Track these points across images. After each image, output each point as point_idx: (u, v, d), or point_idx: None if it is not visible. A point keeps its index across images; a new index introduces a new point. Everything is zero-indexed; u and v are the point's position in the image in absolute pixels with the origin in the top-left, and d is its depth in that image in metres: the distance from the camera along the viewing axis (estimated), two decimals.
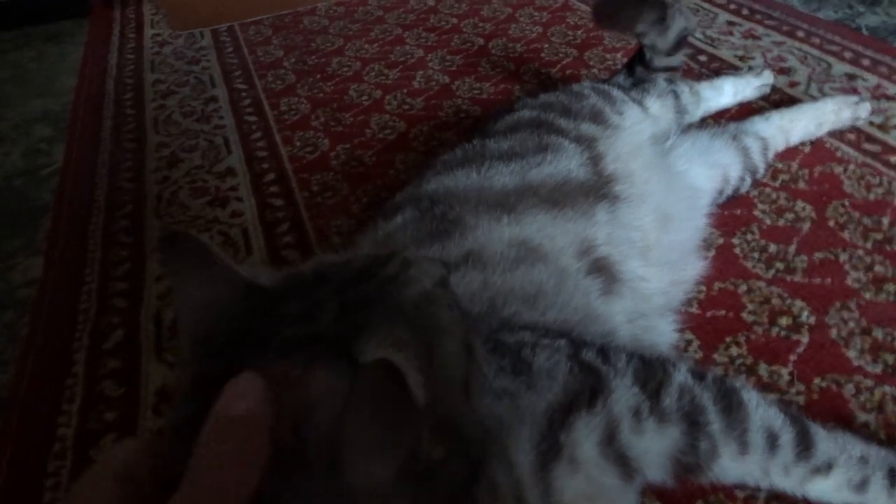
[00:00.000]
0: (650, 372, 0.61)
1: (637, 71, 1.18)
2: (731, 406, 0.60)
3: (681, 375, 0.61)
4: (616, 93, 1.03)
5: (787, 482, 0.60)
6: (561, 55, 1.54)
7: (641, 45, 1.15)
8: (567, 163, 0.80)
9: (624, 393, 0.58)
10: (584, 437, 0.55)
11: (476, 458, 0.45)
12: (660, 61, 1.14)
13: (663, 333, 0.76)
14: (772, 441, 0.59)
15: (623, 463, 0.56)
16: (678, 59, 1.16)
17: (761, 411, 0.61)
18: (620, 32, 1.22)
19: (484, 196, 0.74)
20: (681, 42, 1.14)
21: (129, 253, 1.12)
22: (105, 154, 1.41)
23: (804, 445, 0.60)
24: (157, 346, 0.92)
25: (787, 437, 0.60)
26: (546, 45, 1.59)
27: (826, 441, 0.61)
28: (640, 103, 1.05)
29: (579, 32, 1.63)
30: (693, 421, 0.59)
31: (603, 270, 0.72)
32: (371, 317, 0.40)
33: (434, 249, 0.68)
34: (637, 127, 0.99)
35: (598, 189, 0.79)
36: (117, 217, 1.21)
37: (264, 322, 0.40)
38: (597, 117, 0.94)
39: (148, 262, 1.09)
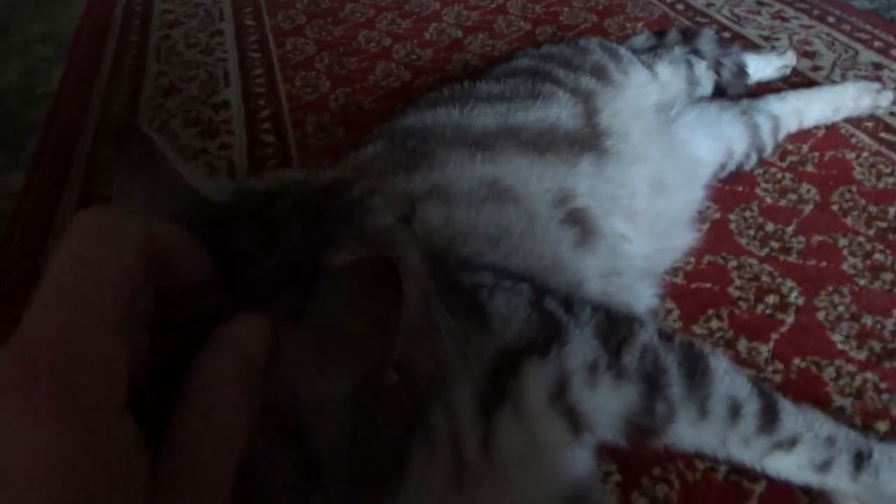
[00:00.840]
0: (614, 327, 0.57)
1: (668, 36, 1.13)
2: (695, 370, 0.57)
3: (647, 334, 0.58)
4: (624, 52, 0.99)
5: (746, 454, 0.57)
6: (580, 20, 1.49)
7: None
8: (557, 111, 0.76)
9: (582, 344, 0.55)
10: (533, 385, 0.52)
11: (419, 399, 0.42)
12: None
13: (640, 295, 0.72)
14: (734, 410, 0.56)
15: (572, 417, 0.53)
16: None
17: (728, 379, 0.57)
18: None
19: (461, 134, 0.70)
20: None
21: (112, 177, 1.09)
22: (103, 79, 1.38)
23: (768, 419, 0.56)
24: None
25: (751, 408, 0.56)
26: (566, 9, 1.54)
27: (792, 417, 0.57)
28: (649, 67, 1.01)
29: None
30: (652, 382, 0.55)
31: (579, 222, 0.69)
32: (338, 231, 0.37)
33: (399, 180, 0.64)
34: (642, 89, 0.94)
35: (586, 140, 0.75)
36: (104, 141, 1.19)
37: (217, 241, 0.37)
38: (599, 73, 0.89)
39: None
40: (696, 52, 1.09)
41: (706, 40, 1.11)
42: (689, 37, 1.13)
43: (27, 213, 1.03)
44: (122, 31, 1.56)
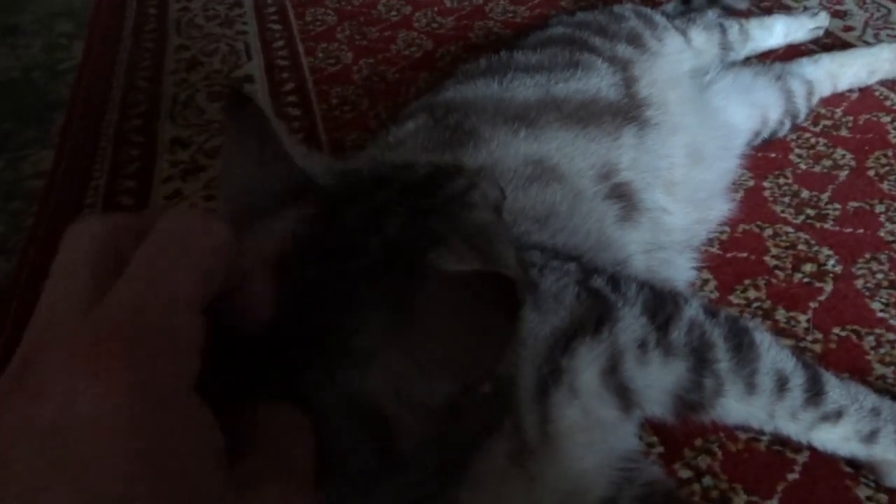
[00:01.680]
0: (660, 304, 0.57)
1: (695, 2, 1.12)
2: (741, 345, 0.57)
3: (692, 310, 0.58)
4: (659, 18, 0.97)
5: (792, 427, 0.57)
6: None
7: None
8: (598, 81, 0.76)
9: (631, 322, 0.55)
10: (587, 364, 0.52)
11: (505, 403, 0.42)
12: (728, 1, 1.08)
13: (680, 269, 0.73)
14: (781, 384, 0.56)
15: (624, 394, 0.54)
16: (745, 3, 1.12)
17: (773, 353, 0.58)
18: None
19: (503, 107, 0.70)
20: None
21: (140, 153, 1.10)
22: (124, 53, 1.37)
23: (815, 391, 0.57)
24: None
25: (797, 381, 0.57)
26: None
27: (838, 389, 0.58)
28: (683, 33, 0.99)
29: None
30: (701, 357, 0.56)
31: (623, 197, 0.69)
32: (443, 230, 0.37)
33: (444, 159, 0.64)
34: (677, 56, 0.93)
35: (627, 111, 0.74)
36: (131, 116, 1.19)
37: (320, 223, 0.38)
38: (635, 40, 0.88)
39: (158, 163, 1.06)
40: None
41: None
42: None
43: (58, 191, 1.04)
44: (140, 4, 1.55)
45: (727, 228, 0.84)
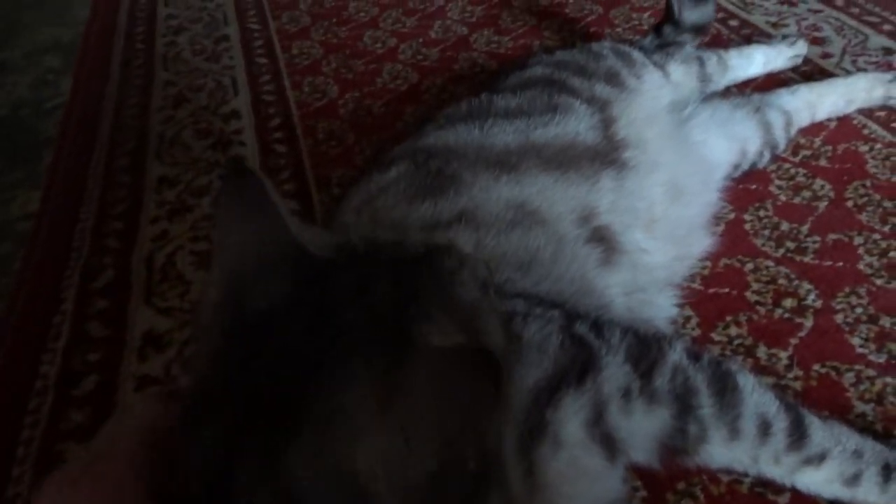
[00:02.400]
0: (644, 350, 0.58)
1: (665, 31, 1.13)
2: (724, 390, 0.58)
3: (676, 355, 0.59)
4: (637, 55, 0.99)
5: (776, 471, 0.58)
6: (585, 11, 1.48)
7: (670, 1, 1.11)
8: (576, 125, 0.77)
9: (615, 371, 0.56)
10: (571, 415, 0.53)
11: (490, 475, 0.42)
12: (689, 13, 1.10)
13: (661, 308, 0.73)
14: (764, 428, 0.57)
15: (609, 444, 0.54)
16: (707, 11, 1.13)
17: (756, 397, 0.58)
18: None
19: (484, 153, 0.71)
20: None
21: (128, 192, 1.11)
22: (112, 88, 1.38)
23: (798, 435, 0.57)
24: (147, 289, 0.91)
25: (780, 425, 0.58)
26: (571, 1, 1.52)
27: (821, 431, 0.58)
28: (661, 68, 1.00)
29: None
30: (684, 403, 0.56)
31: (602, 240, 0.70)
32: (429, 306, 0.38)
33: (426, 206, 0.65)
34: (656, 92, 0.94)
35: (605, 154, 0.76)
36: (119, 155, 1.20)
37: (313, 295, 0.39)
38: (613, 79, 0.89)
39: (145, 203, 1.07)
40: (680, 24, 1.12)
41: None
42: (670, 15, 1.13)
43: (46, 234, 1.05)
44: (128, 39, 1.56)
45: (709, 263, 0.85)
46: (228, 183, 0.42)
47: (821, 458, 0.58)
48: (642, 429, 0.55)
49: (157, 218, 1.03)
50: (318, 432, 0.33)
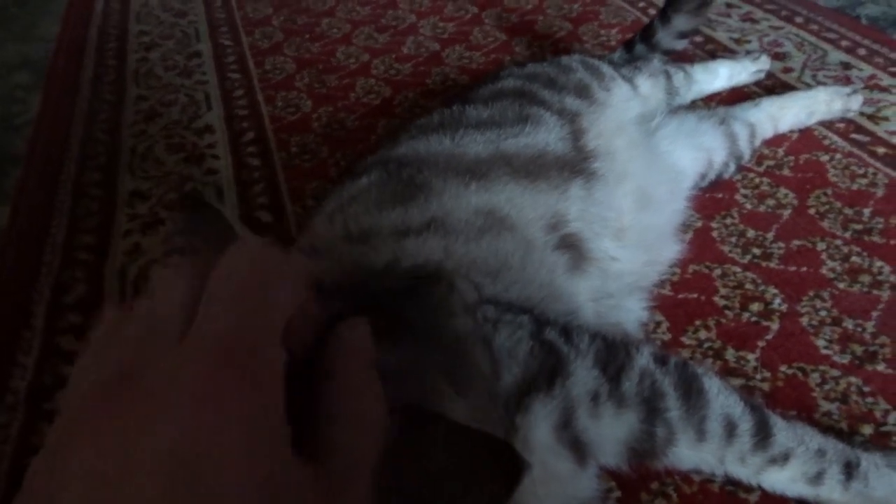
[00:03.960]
0: (612, 354, 0.59)
1: (637, 49, 1.16)
2: (690, 392, 0.59)
3: (643, 359, 0.60)
4: (606, 68, 1.01)
5: (742, 471, 0.59)
6: (555, 28, 1.51)
7: (653, 25, 1.15)
8: (546, 135, 0.78)
9: (584, 375, 0.57)
10: (540, 419, 0.54)
11: None
12: (668, 42, 1.14)
13: (630, 311, 0.75)
14: (730, 429, 0.58)
15: (578, 448, 0.55)
16: (684, 43, 1.18)
17: (721, 399, 0.60)
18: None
19: (455, 162, 0.72)
20: (696, 30, 1.19)
21: (100, 206, 1.10)
22: (83, 104, 1.37)
23: (762, 435, 0.59)
24: (119, 303, 0.90)
25: (745, 426, 0.59)
26: (541, 18, 1.56)
27: (784, 432, 0.60)
28: (630, 81, 1.03)
29: (576, 6, 1.59)
30: (652, 407, 0.58)
31: (571, 247, 0.71)
32: (427, 363, 0.38)
33: (397, 213, 0.66)
34: (624, 105, 0.97)
35: (574, 164, 0.77)
36: (90, 169, 1.19)
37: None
38: (582, 92, 0.91)
39: (117, 216, 1.06)
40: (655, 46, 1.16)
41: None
42: (648, 36, 1.16)
43: (15, 248, 1.03)
44: (99, 55, 1.55)
45: (678, 269, 0.87)
46: (185, 215, 0.40)
47: (785, 458, 0.59)
48: (611, 432, 0.56)
49: (130, 231, 1.03)
50: None
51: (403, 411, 0.32)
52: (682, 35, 1.16)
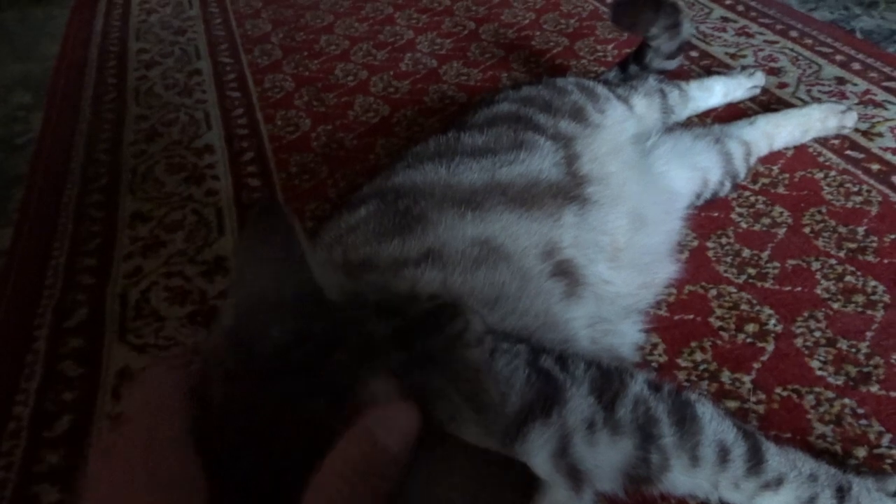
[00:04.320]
0: (607, 382, 0.60)
1: (631, 69, 1.17)
2: (684, 419, 0.60)
3: (637, 386, 0.61)
4: (601, 90, 1.02)
5: (736, 496, 0.60)
6: (552, 44, 1.52)
7: (644, 46, 1.16)
8: (540, 163, 0.79)
9: (579, 403, 0.57)
10: (538, 448, 0.54)
11: None
12: (658, 63, 1.15)
13: (625, 335, 0.76)
14: (723, 455, 0.59)
15: (574, 475, 0.56)
16: (676, 63, 1.19)
17: (714, 425, 0.61)
18: (635, 33, 1.24)
19: (450, 192, 0.73)
20: (682, 48, 1.18)
21: (101, 228, 1.11)
22: (84, 124, 1.38)
23: (756, 461, 0.60)
24: (121, 326, 0.91)
25: (738, 451, 0.60)
26: (538, 33, 1.57)
27: (777, 457, 0.61)
28: (625, 101, 1.04)
29: (572, 21, 1.60)
30: (646, 433, 0.58)
31: (566, 274, 0.72)
32: (442, 383, 0.39)
33: (394, 245, 0.67)
34: (619, 126, 0.97)
35: (568, 191, 0.78)
36: (91, 190, 1.20)
37: (323, 347, 0.39)
38: (577, 115, 0.92)
39: (119, 238, 1.07)
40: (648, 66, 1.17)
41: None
42: (640, 57, 1.18)
43: (18, 271, 1.04)
44: (99, 73, 1.57)
45: (674, 290, 0.88)
46: (258, 218, 0.42)
47: (778, 483, 0.60)
48: (607, 459, 0.57)
49: (131, 254, 1.04)
50: None
51: (420, 432, 0.34)
52: (671, 56, 1.16)
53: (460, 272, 0.65)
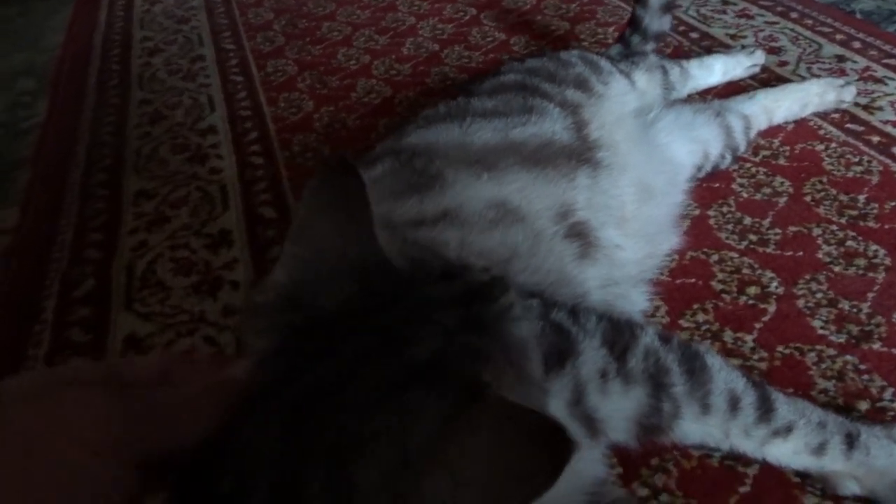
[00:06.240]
0: (618, 333, 0.61)
1: (632, 41, 1.18)
2: (694, 368, 0.60)
3: (647, 338, 0.62)
4: (604, 63, 1.02)
5: (747, 444, 0.61)
6: (553, 27, 1.53)
7: (636, 12, 1.17)
8: (552, 125, 0.80)
9: (592, 354, 0.58)
10: (554, 397, 0.55)
11: None
12: (655, 25, 1.15)
13: (635, 302, 0.76)
14: (734, 403, 0.60)
15: (589, 424, 0.57)
16: (668, 21, 1.19)
17: (724, 374, 0.61)
18: None
19: (465, 151, 0.74)
20: (672, 4, 1.19)
21: (106, 205, 1.11)
22: (88, 109, 1.39)
23: (765, 409, 0.60)
24: (127, 296, 0.92)
25: (748, 399, 0.60)
26: (538, 17, 1.58)
27: (786, 405, 0.61)
28: (627, 76, 1.04)
29: (573, 5, 1.61)
30: (658, 382, 0.59)
31: (580, 235, 0.72)
32: (491, 347, 0.39)
33: (412, 203, 0.67)
34: (622, 98, 0.98)
35: (581, 153, 0.79)
36: (97, 170, 1.21)
37: (384, 310, 0.39)
38: (582, 85, 0.93)
39: (124, 215, 1.08)
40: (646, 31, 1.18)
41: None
42: (636, 24, 1.18)
43: (24, 247, 1.05)
44: (103, 61, 1.58)
45: (676, 256, 0.88)
46: (327, 175, 0.41)
47: (788, 430, 0.60)
48: (620, 408, 0.58)
49: (136, 229, 1.04)
50: (385, 464, 0.33)
51: (461, 385, 0.34)
52: (664, 9, 1.17)
53: (477, 232, 0.66)
